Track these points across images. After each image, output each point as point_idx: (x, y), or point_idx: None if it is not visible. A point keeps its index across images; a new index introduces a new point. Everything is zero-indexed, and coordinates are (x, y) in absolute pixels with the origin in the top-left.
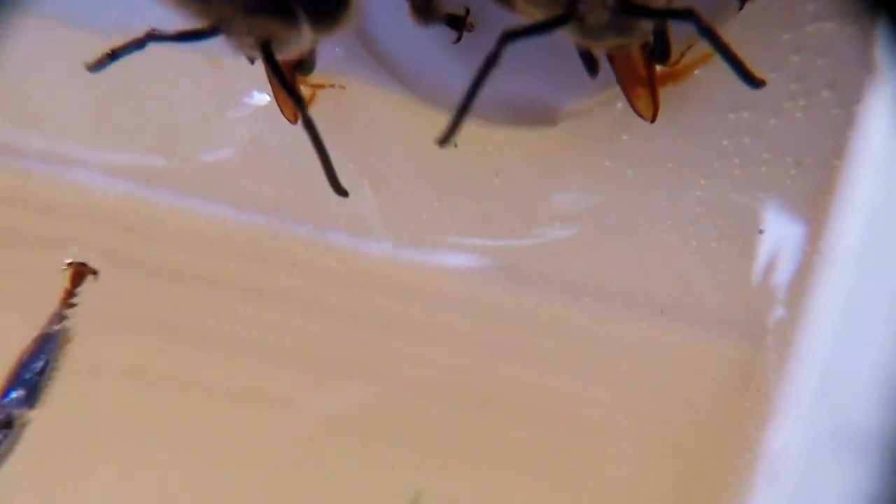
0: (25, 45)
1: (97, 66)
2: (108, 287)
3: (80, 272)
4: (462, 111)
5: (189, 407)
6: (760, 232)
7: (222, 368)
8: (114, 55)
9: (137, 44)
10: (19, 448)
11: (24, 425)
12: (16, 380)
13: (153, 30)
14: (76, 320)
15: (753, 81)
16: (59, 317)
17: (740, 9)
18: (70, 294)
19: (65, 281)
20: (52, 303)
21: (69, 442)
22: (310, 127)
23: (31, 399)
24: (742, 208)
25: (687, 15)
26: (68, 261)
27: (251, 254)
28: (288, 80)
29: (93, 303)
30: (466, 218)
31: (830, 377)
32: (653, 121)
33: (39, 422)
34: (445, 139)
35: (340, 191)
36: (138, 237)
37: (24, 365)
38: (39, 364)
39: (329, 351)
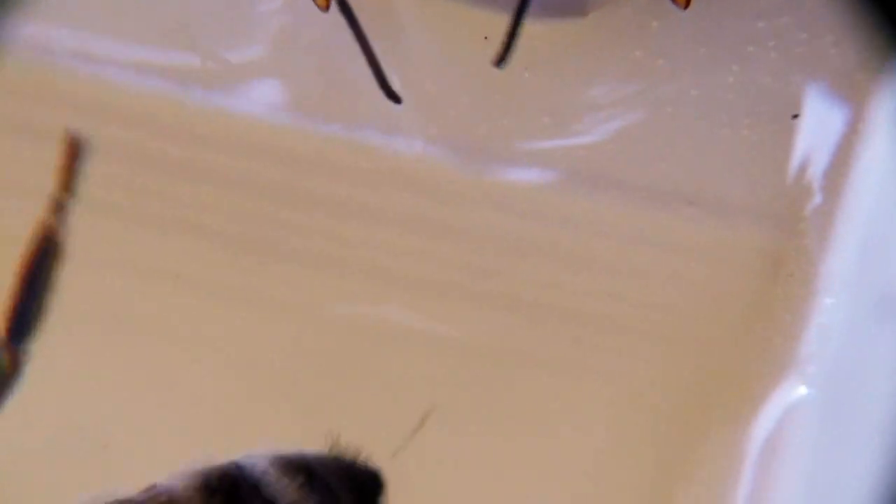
0: None
1: None
2: (137, 186)
3: (74, 147)
4: (516, 25)
5: (210, 308)
6: (794, 117)
7: (248, 270)
8: None
9: None
10: None
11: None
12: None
13: None
14: (106, 219)
15: None
16: (59, 207)
17: None
18: (69, 175)
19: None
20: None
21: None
22: (346, 11)
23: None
24: (777, 93)
25: None
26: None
27: (283, 154)
28: None
29: (121, 201)
30: (495, 113)
31: (870, 251)
32: (686, 6)
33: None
34: (503, 58)
35: (391, 94)
36: (169, 137)
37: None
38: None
39: (356, 253)
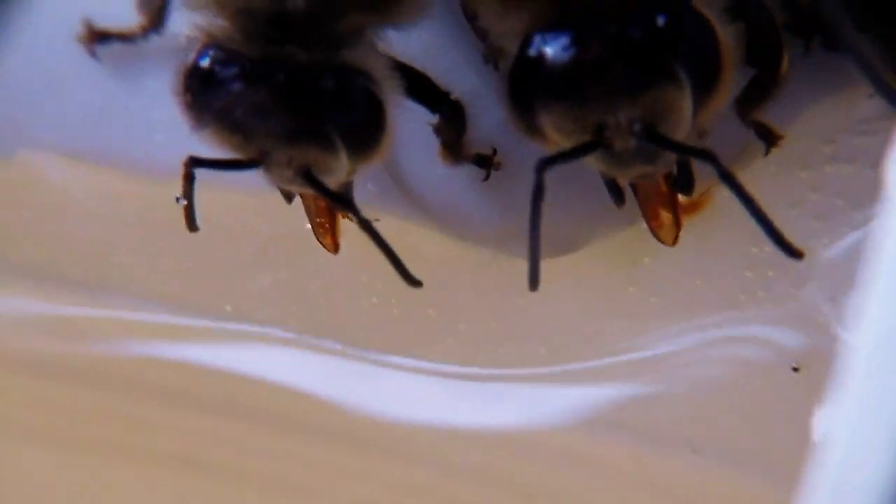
0: None
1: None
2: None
3: None
4: (534, 251)
5: None
6: (795, 370)
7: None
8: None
9: (188, 177)
10: None
11: None
12: None
13: (193, 156)
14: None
15: (788, 249)
16: None
17: (766, 153)
18: None
19: None
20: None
21: None
22: (368, 227)
23: None
24: (770, 343)
25: (705, 156)
26: None
27: None
28: (336, 194)
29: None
30: (489, 342)
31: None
32: (673, 244)
33: None
34: (533, 284)
35: (412, 281)
36: None
37: None
38: None
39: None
